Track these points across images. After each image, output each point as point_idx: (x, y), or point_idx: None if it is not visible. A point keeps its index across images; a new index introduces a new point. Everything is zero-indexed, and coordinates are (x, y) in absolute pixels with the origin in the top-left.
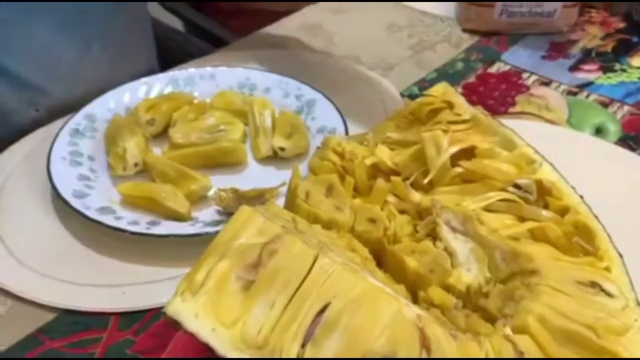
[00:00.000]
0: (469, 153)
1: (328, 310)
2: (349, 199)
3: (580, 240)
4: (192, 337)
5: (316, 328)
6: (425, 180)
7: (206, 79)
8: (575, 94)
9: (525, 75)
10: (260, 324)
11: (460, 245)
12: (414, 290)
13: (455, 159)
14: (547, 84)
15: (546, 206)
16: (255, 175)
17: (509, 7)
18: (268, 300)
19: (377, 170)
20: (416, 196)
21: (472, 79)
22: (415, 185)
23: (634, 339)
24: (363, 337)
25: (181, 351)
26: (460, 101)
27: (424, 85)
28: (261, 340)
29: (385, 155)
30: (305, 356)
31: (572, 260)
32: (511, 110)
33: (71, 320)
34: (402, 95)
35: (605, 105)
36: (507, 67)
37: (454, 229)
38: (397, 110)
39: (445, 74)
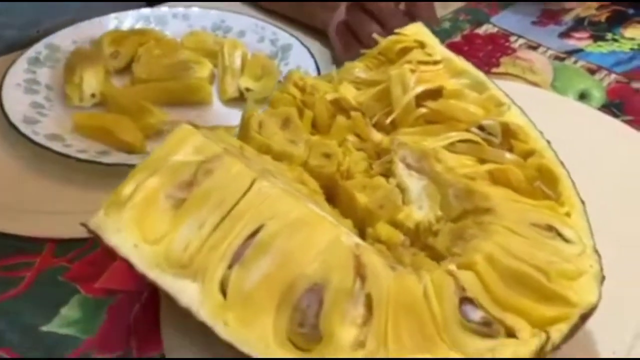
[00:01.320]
0: (436, 95)
1: (261, 232)
2: (305, 133)
3: (542, 185)
4: (127, 266)
5: (246, 249)
6: (388, 120)
7: (179, 19)
8: (562, 59)
9: (513, 39)
10: (186, 242)
11: (414, 183)
12: (363, 227)
13: (421, 100)
14: (534, 48)
15: (511, 149)
16: (219, 116)
17: None
18: (198, 220)
19: (340, 109)
20: (377, 136)
21: (457, 38)
22: (378, 127)
23: (587, 285)
24: (296, 260)
25: (116, 281)
26: (432, 42)
27: None
28: (186, 259)
29: (349, 93)
30: (231, 278)
31: (531, 202)
32: (494, 70)
33: (6, 244)
34: None
35: (592, 72)
36: (495, 30)
37: (409, 166)
38: (367, 50)
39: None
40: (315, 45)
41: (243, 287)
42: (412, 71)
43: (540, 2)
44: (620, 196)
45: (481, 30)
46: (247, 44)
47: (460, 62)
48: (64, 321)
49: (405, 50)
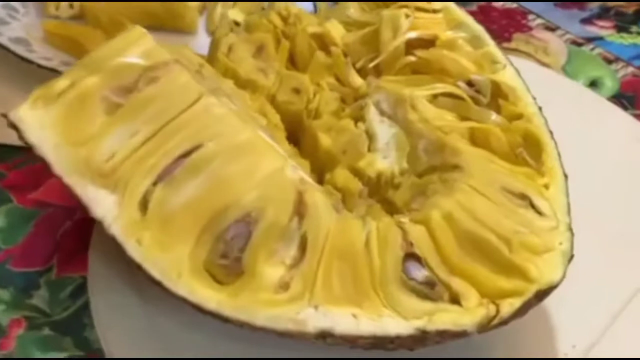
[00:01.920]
0: (429, 45)
1: (199, 151)
2: (278, 64)
3: (524, 152)
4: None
5: (177, 168)
6: (373, 63)
7: None
8: (579, 44)
9: (531, 17)
10: (113, 150)
11: (384, 130)
12: (323, 171)
13: (412, 49)
14: (552, 29)
15: (498, 111)
16: (202, 47)
17: None
18: (131, 128)
19: (323, 47)
20: (356, 79)
21: (473, 7)
22: (362, 73)
23: (551, 262)
24: (230, 187)
25: (52, 195)
26: None
27: None
28: (108, 168)
29: (336, 31)
30: (154, 195)
31: (507, 166)
32: (505, 45)
33: None
34: None
35: (608, 61)
36: (514, 5)
37: (382, 112)
38: None
39: None
40: None
41: (165, 207)
42: (407, 16)
43: None
44: (610, 187)
45: (499, 4)
46: None
47: (461, 13)
48: None
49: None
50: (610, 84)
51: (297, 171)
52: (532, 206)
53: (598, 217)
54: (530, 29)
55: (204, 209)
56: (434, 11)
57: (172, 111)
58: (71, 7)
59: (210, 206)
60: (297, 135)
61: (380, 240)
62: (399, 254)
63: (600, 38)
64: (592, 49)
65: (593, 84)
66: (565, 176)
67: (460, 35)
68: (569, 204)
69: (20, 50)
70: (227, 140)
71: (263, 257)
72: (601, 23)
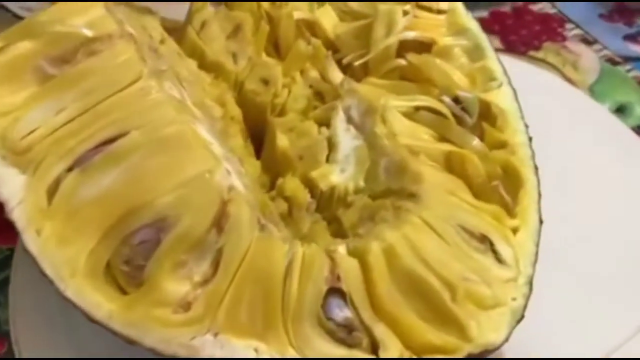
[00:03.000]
0: (425, 49)
1: (122, 139)
2: (254, 49)
3: (501, 186)
4: None
5: (96, 155)
6: (359, 62)
7: None
8: (616, 63)
9: (568, 26)
10: (33, 126)
11: (347, 140)
12: (277, 175)
13: (405, 50)
14: (589, 43)
15: (482, 135)
16: None
17: None
18: (58, 104)
19: (312, 35)
20: (336, 75)
21: (506, 8)
22: (349, 70)
23: (497, 320)
24: (149, 185)
25: None
26: None
27: None
28: (23, 145)
29: (328, 20)
30: (65, 182)
31: (473, 202)
32: (532, 53)
33: None
34: None
35: None
36: (552, 11)
37: (350, 119)
38: None
39: None
40: None
41: (75, 197)
42: (405, 13)
43: None
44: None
45: (536, 7)
46: None
47: (467, 18)
48: None
49: None
50: (639, 112)
51: (228, 177)
52: (493, 251)
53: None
54: (565, 39)
55: (115, 205)
56: (439, 11)
57: (106, 90)
58: None
59: (122, 203)
60: (260, 129)
61: (304, 269)
62: (321, 288)
63: None
64: (629, 71)
65: (620, 110)
66: (541, 221)
67: (460, 43)
68: (536, 254)
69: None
70: (155, 131)
71: (168, 269)
72: None
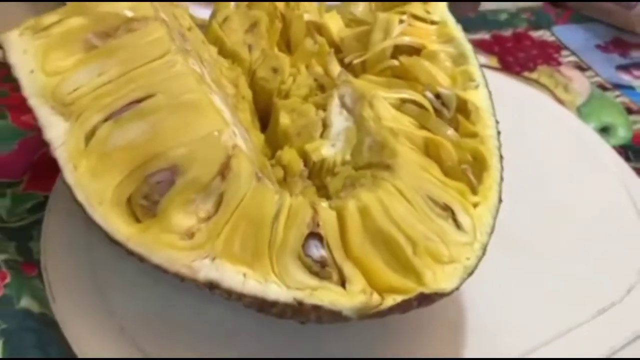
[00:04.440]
0: (416, 52)
1: (148, 100)
2: (267, 43)
3: (469, 170)
4: None
5: (127, 111)
6: (357, 60)
7: None
8: (606, 89)
9: (564, 53)
10: (78, 84)
11: (339, 121)
12: (279, 148)
13: (399, 53)
14: (583, 69)
15: (457, 127)
16: None
17: None
18: (99, 68)
19: (325, 39)
20: (336, 70)
21: (507, 32)
22: (350, 68)
23: (450, 272)
24: (166, 138)
25: None
26: (437, 1)
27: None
28: (69, 99)
29: (334, 24)
30: (100, 130)
31: (441, 178)
32: (526, 74)
33: None
34: None
35: (630, 111)
36: (551, 38)
37: (343, 104)
38: None
39: (481, 18)
40: None
41: (106, 142)
42: (401, 21)
43: (618, 28)
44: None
45: (536, 34)
46: None
47: (454, 29)
48: None
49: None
50: (623, 134)
51: (234, 138)
52: (454, 219)
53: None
54: (560, 64)
55: (138, 152)
56: (432, 22)
57: (139, 60)
58: None
59: (145, 150)
60: (268, 110)
61: (290, 215)
62: (303, 230)
63: (630, 87)
64: (617, 97)
65: (604, 130)
66: (500, 201)
67: (446, 50)
68: (492, 226)
69: None
70: (175, 96)
71: (178, 204)
72: (638, 72)
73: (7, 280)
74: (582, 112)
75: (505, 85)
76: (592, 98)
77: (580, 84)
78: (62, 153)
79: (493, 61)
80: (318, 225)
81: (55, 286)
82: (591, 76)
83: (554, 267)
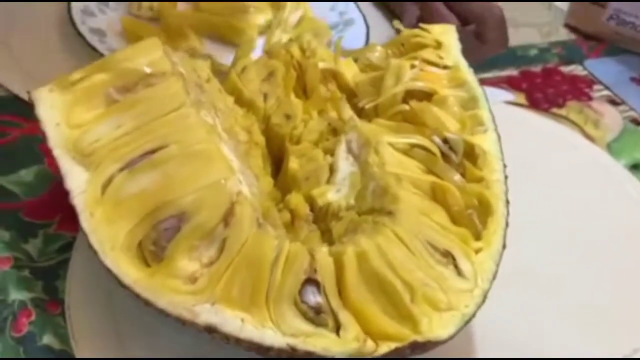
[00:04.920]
0: (428, 97)
1: (162, 151)
2: (283, 90)
3: (475, 215)
4: None
5: (142, 161)
6: (369, 105)
7: None
8: (639, 124)
9: (596, 88)
10: (98, 136)
11: (345, 166)
12: (287, 191)
13: (411, 98)
14: (616, 104)
15: (464, 171)
16: None
17: (622, 13)
18: (118, 121)
19: (339, 85)
20: (347, 113)
21: (536, 68)
22: (364, 113)
23: (446, 320)
24: (175, 186)
25: None
26: (451, 45)
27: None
28: (89, 150)
29: (349, 70)
30: (116, 179)
31: (442, 224)
32: (555, 110)
33: (14, 103)
34: None
35: None
36: (583, 73)
37: (350, 150)
38: (395, 37)
39: (511, 54)
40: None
41: (121, 191)
42: (413, 67)
43: None
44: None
45: (567, 69)
46: (319, 7)
47: (466, 73)
48: (17, 180)
49: (420, 46)
50: None
51: (239, 185)
52: (455, 266)
53: None
54: (591, 98)
55: (149, 199)
56: (444, 67)
57: (154, 113)
58: (151, 9)
59: (155, 198)
60: (281, 155)
61: (288, 261)
62: (300, 276)
63: None
64: None
65: (635, 167)
66: (504, 246)
67: (457, 94)
68: (495, 272)
69: (92, 39)
70: (186, 146)
71: (183, 250)
72: None
73: (32, 318)
74: (612, 148)
75: (532, 122)
76: (624, 133)
77: (612, 119)
78: (80, 201)
79: (521, 98)
80: (315, 271)
81: (76, 327)
82: (624, 110)
83: (585, 302)
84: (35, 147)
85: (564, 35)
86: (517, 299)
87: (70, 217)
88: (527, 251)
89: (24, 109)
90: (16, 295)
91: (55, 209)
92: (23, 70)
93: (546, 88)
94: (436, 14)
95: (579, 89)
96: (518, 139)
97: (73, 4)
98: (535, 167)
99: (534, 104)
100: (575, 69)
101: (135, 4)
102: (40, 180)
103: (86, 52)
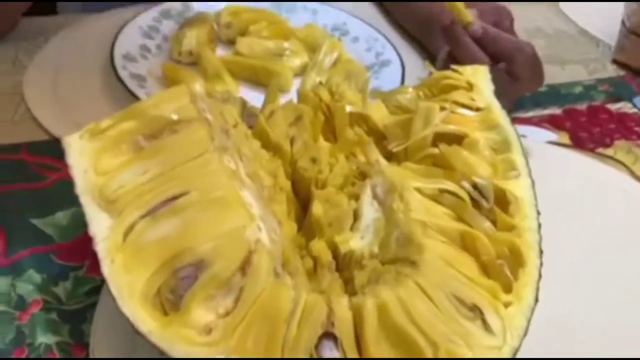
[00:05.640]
0: (458, 140)
1: (183, 197)
2: (309, 134)
3: (505, 265)
4: None
5: (163, 207)
6: (397, 148)
7: (308, 12)
8: None
9: None
10: (123, 183)
11: (370, 212)
12: (312, 236)
13: (441, 140)
14: None
15: (495, 218)
16: None
17: None
18: (143, 168)
19: (369, 127)
20: (374, 157)
21: (582, 106)
22: (394, 156)
23: None
24: (194, 234)
25: None
26: (483, 87)
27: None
28: (114, 197)
29: (378, 112)
30: (137, 226)
31: (470, 275)
32: (601, 150)
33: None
34: None
35: None
36: (632, 110)
37: (375, 195)
38: (425, 78)
39: (554, 92)
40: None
41: (142, 238)
42: (443, 109)
43: None
44: None
45: (614, 107)
46: (355, 49)
47: (499, 116)
48: (52, 222)
49: (451, 88)
50: None
51: (257, 233)
52: (483, 320)
53: None
54: None
55: (169, 246)
56: (477, 109)
57: (178, 160)
58: (190, 53)
59: (174, 246)
60: (308, 199)
61: (305, 312)
62: (317, 330)
63: None
64: None
65: None
66: (536, 300)
67: (489, 137)
68: (526, 329)
69: (132, 84)
70: (207, 193)
71: (200, 300)
72: None
73: None
74: None
75: (575, 163)
76: None
77: None
78: (102, 247)
79: (564, 138)
80: (333, 324)
81: None
82: None
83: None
84: (71, 190)
85: (611, 71)
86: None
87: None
88: (564, 305)
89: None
90: (43, 338)
91: (86, 252)
92: (65, 113)
93: (592, 127)
94: (467, 52)
95: (628, 127)
96: (560, 181)
97: (116, 49)
98: (578, 211)
99: (578, 144)
100: (624, 107)
101: (176, 49)
102: (74, 223)
103: (127, 96)
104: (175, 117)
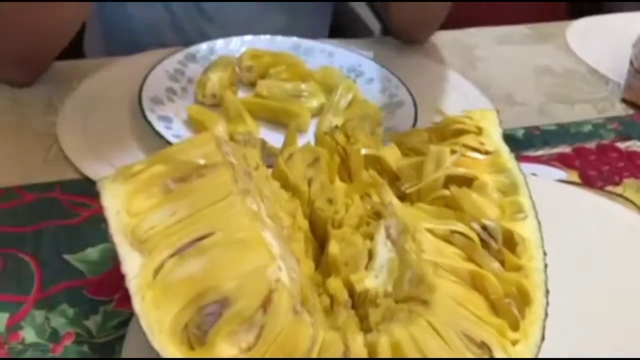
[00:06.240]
0: (468, 182)
1: (209, 238)
2: (326, 176)
3: (513, 304)
4: None
5: (190, 247)
6: (410, 189)
7: (325, 55)
8: None
9: None
10: (154, 224)
11: (384, 252)
12: (327, 275)
13: (452, 183)
14: None
15: (503, 259)
16: None
17: None
18: (172, 209)
19: (383, 169)
20: (388, 198)
21: (591, 145)
22: (408, 197)
23: None
24: (219, 272)
25: None
26: (492, 131)
27: (533, 132)
28: (144, 237)
29: (391, 154)
30: (166, 265)
31: (479, 314)
32: (610, 188)
33: (82, 185)
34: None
35: None
36: None
37: (389, 236)
38: (437, 122)
39: (564, 131)
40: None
41: (170, 276)
42: (453, 152)
43: None
44: None
45: (624, 145)
46: (370, 90)
47: (507, 159)
48: (82, 258)
49: (462, 132)
50: None
51: (278, 272)
52: (491, 357)
53: None
54: None
55: (195, 284)
56: (486, 152)
57: (204, 202)
58: (214, 96)
59: (200, 283)
60: (325, 239)
61: (322, 350)
62: None
63: None
64: None
65: None
66: (543, 338)
67: (497, 180)
68: None
69: (159, 125)
70: (231, 234)
71: (224, 335)
72: None
73: None
74: None
75: (584, 201)
76: None
77: None
78: (134, 285)
79: (573, 176)
80: None
81: None
82: None
83: None
84: (102, 227)
85: (620, 110)
86: None
87: (128, 294)
88: (571, 343)
89: (95, 191)
90: None
91: (115, 286)
92: (96, 153)
93: (601, 165)
94: None
95: (637, 166)
96: (569, 219)
97: (144, 92)
98: (587, 249)
99: (587, 182)
100: (633, 145)
101: (200, 92)
102: (104, 258)
103: (154, 136)
104: (202, 161)
